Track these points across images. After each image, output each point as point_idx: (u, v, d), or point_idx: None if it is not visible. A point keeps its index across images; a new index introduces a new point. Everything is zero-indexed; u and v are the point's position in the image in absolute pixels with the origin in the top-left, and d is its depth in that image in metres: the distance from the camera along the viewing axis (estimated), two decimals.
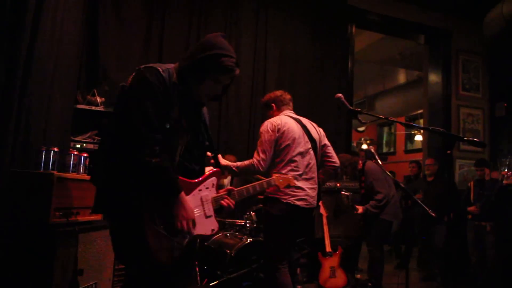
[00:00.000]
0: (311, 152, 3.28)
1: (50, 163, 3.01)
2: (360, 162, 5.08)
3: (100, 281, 3.08)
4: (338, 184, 5.57)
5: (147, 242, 1.88)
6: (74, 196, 2.90)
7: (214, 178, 2.26)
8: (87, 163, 3.27)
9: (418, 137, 12.24)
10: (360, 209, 5.01)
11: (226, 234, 4.30)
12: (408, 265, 4.16)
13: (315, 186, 3.28)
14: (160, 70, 2.00)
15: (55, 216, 2.71)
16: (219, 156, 3.06)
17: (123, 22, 4.95)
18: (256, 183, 2.59)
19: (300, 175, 3.17)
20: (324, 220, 5.15)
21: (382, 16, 6.76)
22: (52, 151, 3.03)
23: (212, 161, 2.54)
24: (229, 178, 4.79)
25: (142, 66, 2.02)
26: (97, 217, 3.10)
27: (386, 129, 15.78)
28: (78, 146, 4.19)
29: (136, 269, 2.03)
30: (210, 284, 3.74)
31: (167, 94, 1.98)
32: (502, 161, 7.69)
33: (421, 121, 10.59)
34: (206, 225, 2.17)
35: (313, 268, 5.15)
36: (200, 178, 2.20)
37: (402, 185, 3.68)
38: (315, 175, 3.29)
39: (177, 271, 2.14)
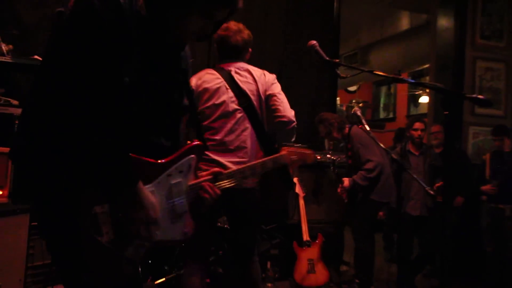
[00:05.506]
0: (238, 114, 3.15)
1: None
2: (346, 127, 5.10)
3: (7, 283, 3.05)
4: (318, 157, 5.64)
5: (84, 260, 1.63)
6: None
7: (192, 156, 1.94)
8: None
9: (424, 99, 12.09)
10: (346, 181, 5.00)
11: None
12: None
13: (246, 159, 3.10)
14: None
15: None
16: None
17: None
18: (258, 161, 2.45)
19: (217, 144, 3.09)
20: (301, 202, 5.21)
21: None
22: None
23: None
24: None
25: None
26: (3, 199, 3.02)
27: (384, 89, 15.22)
28: None
29: None
30: (156, 282, 3.74)
31: (124, 30, 1.64)
32: None
33: (428, 78, 9.92)
34: (174, 227, 1.87)
35: (287, 262, 5.15)
36: (171, 158, 1.87)
37: (395, 156, 3.75)
38: (246, 144, 3.16)
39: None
